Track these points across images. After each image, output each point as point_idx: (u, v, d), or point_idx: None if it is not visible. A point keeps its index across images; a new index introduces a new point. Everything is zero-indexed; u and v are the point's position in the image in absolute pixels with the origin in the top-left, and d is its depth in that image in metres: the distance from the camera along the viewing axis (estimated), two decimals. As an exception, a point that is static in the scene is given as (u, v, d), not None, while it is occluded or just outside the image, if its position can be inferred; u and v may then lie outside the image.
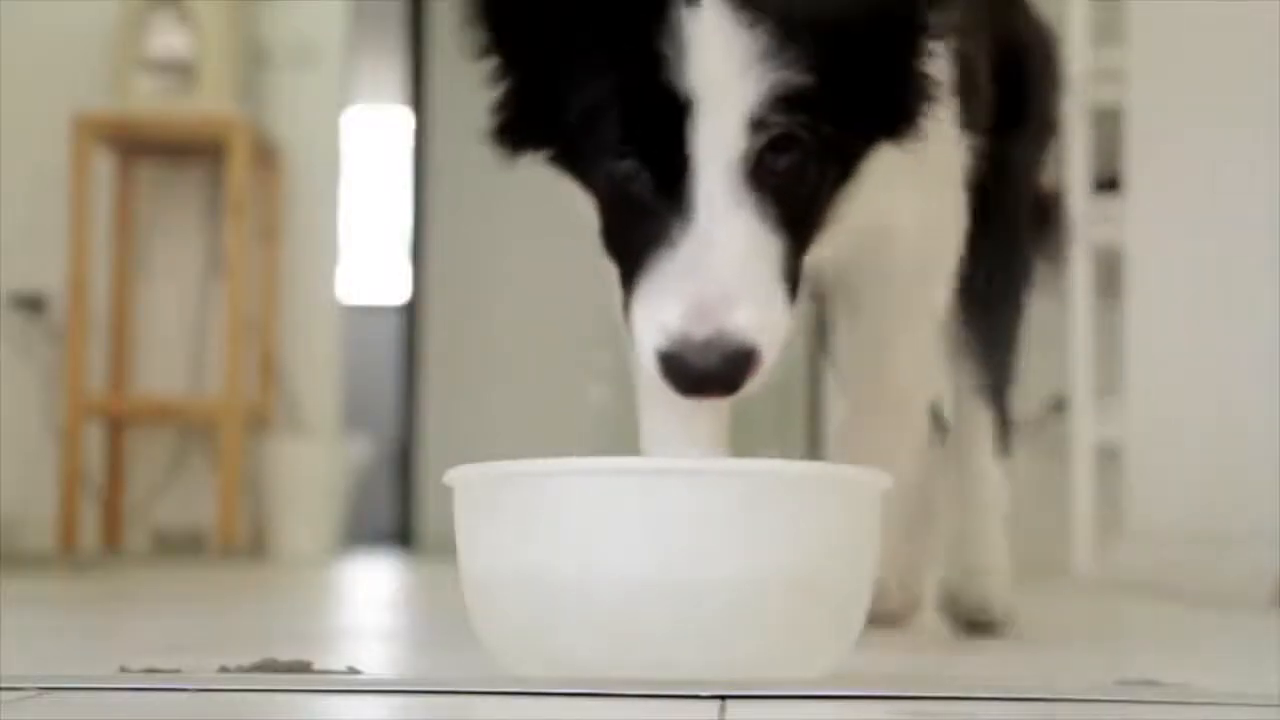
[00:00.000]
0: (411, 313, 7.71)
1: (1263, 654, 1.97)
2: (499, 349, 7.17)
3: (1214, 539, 3.17)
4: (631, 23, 1.32)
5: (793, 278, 1.36)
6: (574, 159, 1.42)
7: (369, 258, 8.61)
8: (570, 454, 1.20)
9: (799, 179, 1.36)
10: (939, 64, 1.45)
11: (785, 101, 1.32)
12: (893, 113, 1.42)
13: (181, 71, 5.53)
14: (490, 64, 1.44)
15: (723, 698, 1.12)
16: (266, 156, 5.83)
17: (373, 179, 8.52)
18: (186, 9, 5.51)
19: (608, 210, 1.41)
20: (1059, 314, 4.55)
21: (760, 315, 1.30)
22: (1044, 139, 2.16)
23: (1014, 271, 2.13)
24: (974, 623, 2.01)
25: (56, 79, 5.70)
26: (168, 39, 5.53)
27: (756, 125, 1.31)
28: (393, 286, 8.33)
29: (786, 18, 1.32)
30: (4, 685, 1.15)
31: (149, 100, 5.52)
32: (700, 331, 1.28)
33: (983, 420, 2.10)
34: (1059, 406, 4.87)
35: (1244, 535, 3.07)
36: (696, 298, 1.29)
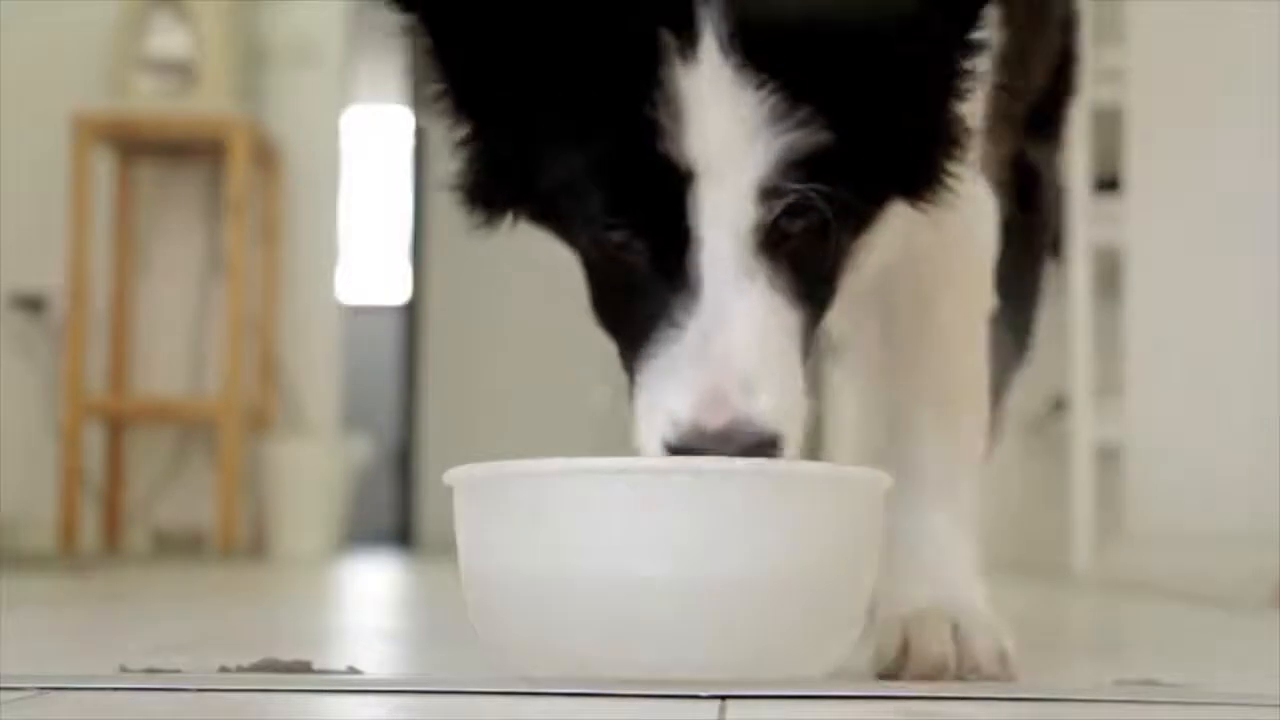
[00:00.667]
0: (411, 313, 7.72)
1: (1263, 654, 1.97)
2: (499, 349, 7.18)
3: (1214, 539, 3.17)
4: (618, 84, 1.19)
5: (809, 349, 1.25)
6: (554, 222, 1.28)
7: (369, 258, 8.61)
8: (570, 454, 1.19)
9: (815, 245, 1.23)
10: (970, 108, 1.30)
11: (799, 165, 1.19)
12: (915, 173, 1.28)
13: (181, 71, 5.54)
14: (456, 127, 1.30)
15: (723, 698, 1.12)
16: (266, 156, 5.83)
17: (373, 179, 8.52)
18: (186, 9, 5.51)
19: (597, 279, 1.27)
20: (1059, 314, 4.55)
21: (782, 398, 1.18)
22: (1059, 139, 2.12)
23: (1036, 266, 2.08)
24: None
25: (56, 79, 5.71)
26: (168, 39, 5.53)
27: (768, 193, 1.19)
28: (393, 286, 8.33)
29: (797, 75, 1.19)
30: (4, 685, 1.15)
31: (149, 100, 5.53)
32: (715, 422, 1.16)
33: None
34: (1059, 406, 4.87)
35: (1244, 535, 3.07)
36: (708, 384, 1.17)
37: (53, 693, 1.15)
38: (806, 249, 1.23)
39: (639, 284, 1.22)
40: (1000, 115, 1.52)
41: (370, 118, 8.34)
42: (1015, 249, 1.95)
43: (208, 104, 5.53)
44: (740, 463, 1.15)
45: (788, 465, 1.16)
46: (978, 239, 1.52)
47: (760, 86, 1.17)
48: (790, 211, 1.20)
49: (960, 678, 1.30)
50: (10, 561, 4.43)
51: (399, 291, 8.05)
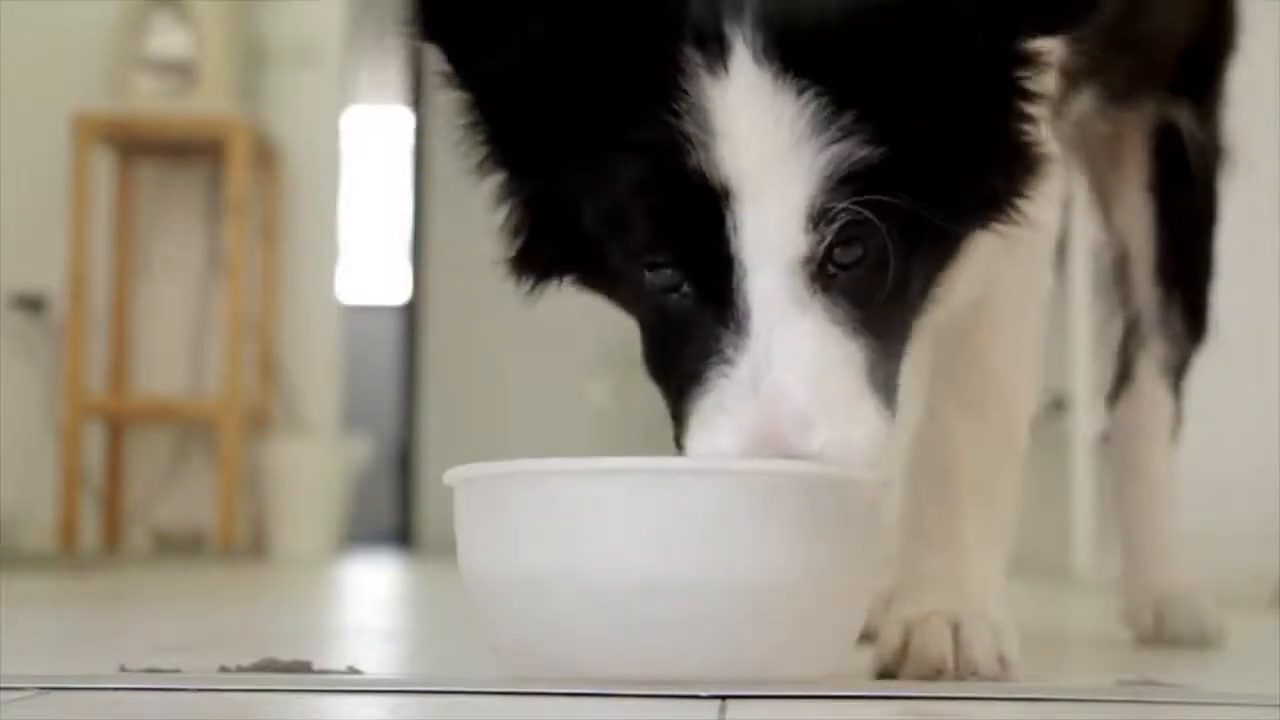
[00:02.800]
0: (411, 313, 7.72)
1: (1263, 654, 1.97)
2: (499, 349, 7.17)
3: (1214, 539, 3.17)
4: (644, 103, 1.13)
5: (887, 381, 1.17)
6: (604, 275, 1.23)
7: (369, 258, 8.60)
8: (570, 453, 1.19)
9: (875, 271, 1.15)
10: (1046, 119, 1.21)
11: (848, 181, 1.11)
12: (979, 192, 1.19)
13: (181, 71, 5.53)
14: (494, 181, 1.25)
15: (723, 698, 1.12)
16: (266, 156, 5.83)
17: (373, 179, 8.52)
18: (186, 9, 5.51)
19: (650, 329, 1.21)
20: (1059, 314, 4.54)
21: (844, 434, 1.12)
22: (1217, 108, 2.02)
23: (1200, 244, 2.02)
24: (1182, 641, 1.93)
25: (56, 79, 5.70)
26: (168, 39, 5.53)
27: (818, 215, 1.11)
28: (393, 286, 8.33)
29: (841, 79, 1.11)
30: (4, 685, 1.15)
31: (149, 100, 5.52)
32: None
33: (1163, 408, 2.02)
34: (1059, 406, 4.87)
35: (1244, 535, 3.07)
36: (760, 423, 1.11)
37: (53, 693, 1.15)
38: (865, 275, 1.15)
39: (688, 325, 1.15)
40: (1110, 71, 1.45)
41: (370, 118, 8.34)
42: (1176, 232, 1.89)
43: (208, 104, 5.53)
44: (740, 463, 1.14)
45: (788, 466, 1.16)
46: (1038, 220, 1.39)
47: (801, 92, 1.11)
48: (844, 236, 1.13)
49: (959, 679, 1.30)
50: (10, 561, 4.43)
51: (399, 291, 8.05)
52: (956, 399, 1.44)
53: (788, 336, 1.12)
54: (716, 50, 1.12)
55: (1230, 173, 2.09)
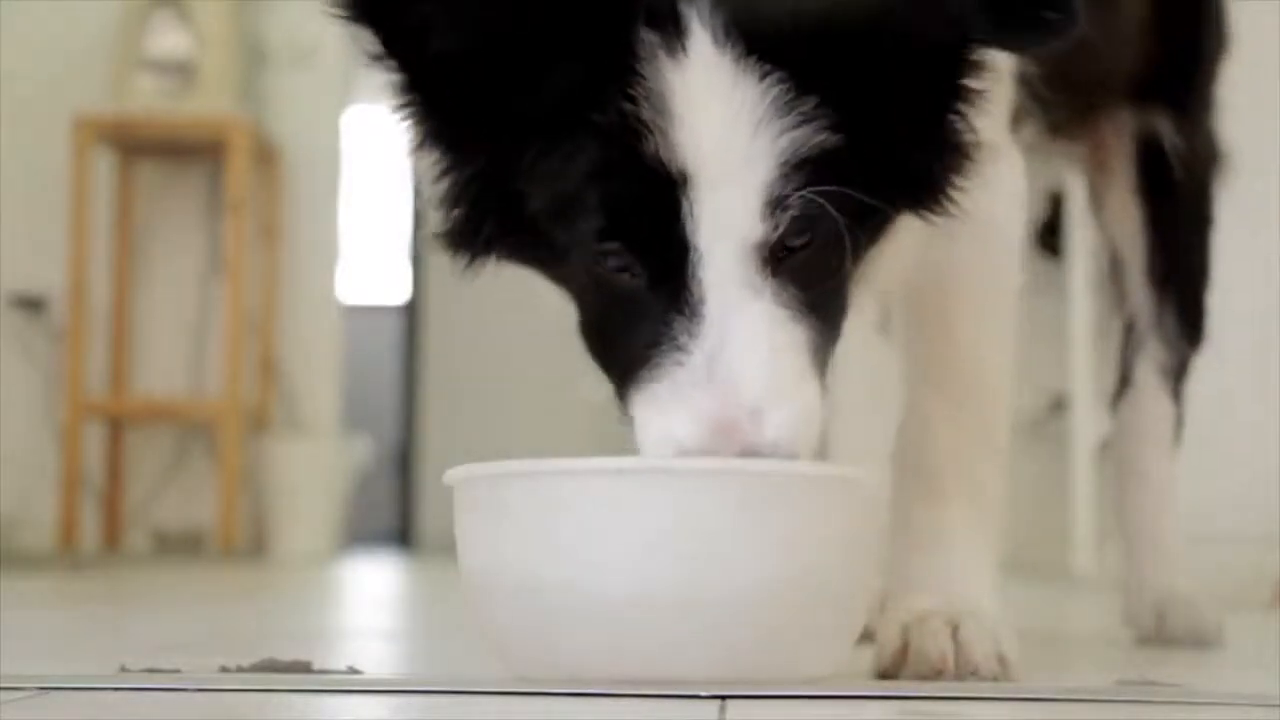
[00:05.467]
0: (411, 313, 7.72)
1: (1263, 654, 1.97)
2: (499, 349, 7.18)
3: (1214, 539, 3.17)
4: (598, 85, 1.11)
5: (824, 362, 1.18)
6: (544, 253, 1.21)
7: (369, 258, 8.60)
8: (571, 454, 1.19)
9: (824, 256, 1.16)
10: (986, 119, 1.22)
11: (804, 167, 1.11)
12: (920, 182, 1.20)
13: (181, 71, 5.54)
14: (432, 159, 1.22)
15: (723, 698, 1.12)
16: (266, 156, 5.83)
17: (373, 179, 8.51)
18: (186, 9, 5.51)
19: (592, 308, 1.21)
20: (1059, 314, 4.55)
21: (792, 418, 1.13)
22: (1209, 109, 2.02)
23: (1191, 246, 2.01)
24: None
25: (56, 79, 5.71)
26: (168, 39, 5.53)
27: (774, 201, 1.11)
28: (393, 286, 8.33)
29: (801, 64, 1.10)
30: (4, 685, 1.15)
31: (149, 100, 5.53)
32: (726, 451, 1.12)
33: (1162, 411, 2.02)
34: (1059, 406, 4.87)
35: (1244, 535, 3.07)
36: (718, 412, 1.11)
37: (53, 693, 1.15)
38: (815, 260, 1.15)
39: (638, 307, 1.15)
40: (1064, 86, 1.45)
41: (370, 118, 8.33)
42: (1166, 234, 1.89)
43: (208, 104, 5.53)
44: (741, 463, 1.14)
45: (788, 466, 1.16)
46: (1002, 216, 1.43)
47: (762, 77, 1.10)
48: (798, 221, 1.12)
49: (959, 679, 1.30)
50: (10, 561, 4.43)
51: (399, 291, 8.05)
52: (933, 390, 1.43)
53: (741, 322, 1.12)
54: (673, 31, 1.11)
55: (1225, 178, 2.09)
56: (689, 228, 1.11)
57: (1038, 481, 4.73)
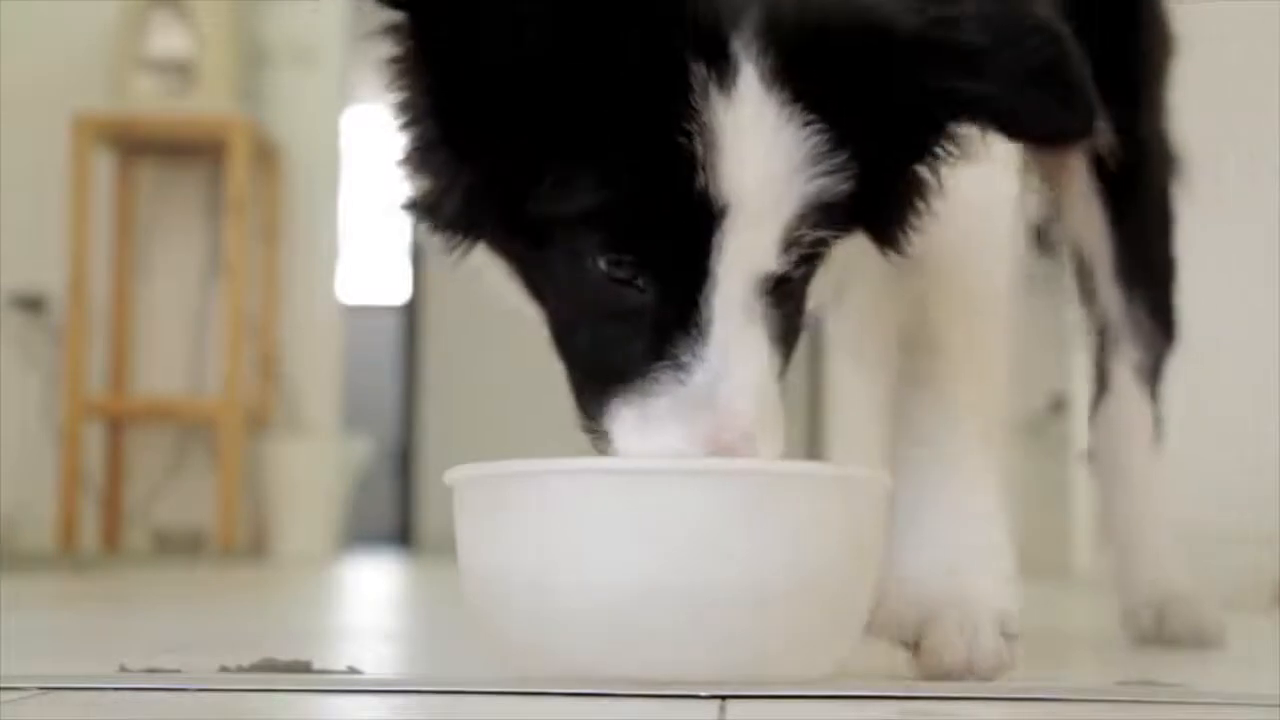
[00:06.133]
0: (411, 313, 7.72)
1: (1263, 654, 1.97)
2: (499, 349, 7.17)
3: (1214, 539, 3.17)
4: (640, 113, 1.13)
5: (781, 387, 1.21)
6: (531, 251, 1.22)
7: (369, 258, 8.61)
8: (571, 454, 1.19)
9: (801, 288, 1.21)
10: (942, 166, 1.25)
11: (818, 211, 1.15)
12: (891, 222, 1.25)
13: (181, 71, 5.54)
14: (433, 154, 1.22)
15: (723, 698, 1.12)
16: (266, 156, 5.83)
17: (373, 179, 8.52)
18: (186, 9, 5.52)
19: (579, 311, 1.21)
20: (1059, 314, 4.54)
21: (777, 444, 1.17)
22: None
23: (1155, 246, 2.03)
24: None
25: (56, 79, 5.71)
26: (168, 39, 5.54)
27: (791, 241, 1.15)
28: (393, 286, 8.33)
29: (842, 118, 1.14)
30: (4, 685, 1.15)
31: (149, 100, 5.53)
32: None
33: (1142, 412, 2.03)
34: (1059, 406, 4.87)
35: (1244, 535, 3.07)
36: (714, 434, 1.14)
37: (53, 693, 1.15)
38: (800, 289, 1.20)
39: (636, 321, 1.17)
40: None
41: (370, 118, 8.34)
42: (1128, 235, 1.90)
43: (208, 104, 5.53)
44: (742, 463, 1.14)
45: (789, 466, 1.16)
46: (991, 209, 1.44)
47: (806, 124, 1.13)
48: (804, 257, 1.17)
49: (971, 676, 1.30)
50: (10, 561, 4.43)
51: (399, 291, 8.05)
52: (935, 385, 1.41)
53: (741, 349, 1.15)
54: (722, 65, 1.12)
55: (1181, 177, 2.10)
56: (713, 257, 1.14)
57: (1038, 481, 4.73)
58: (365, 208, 8.25)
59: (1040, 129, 1.23)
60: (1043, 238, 2.24)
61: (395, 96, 1.22)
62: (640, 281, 1.17)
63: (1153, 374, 2.06)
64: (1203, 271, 3.46)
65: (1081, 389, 4.60)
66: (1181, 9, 2.06)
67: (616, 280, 1.17)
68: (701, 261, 1.14)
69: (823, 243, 1.17)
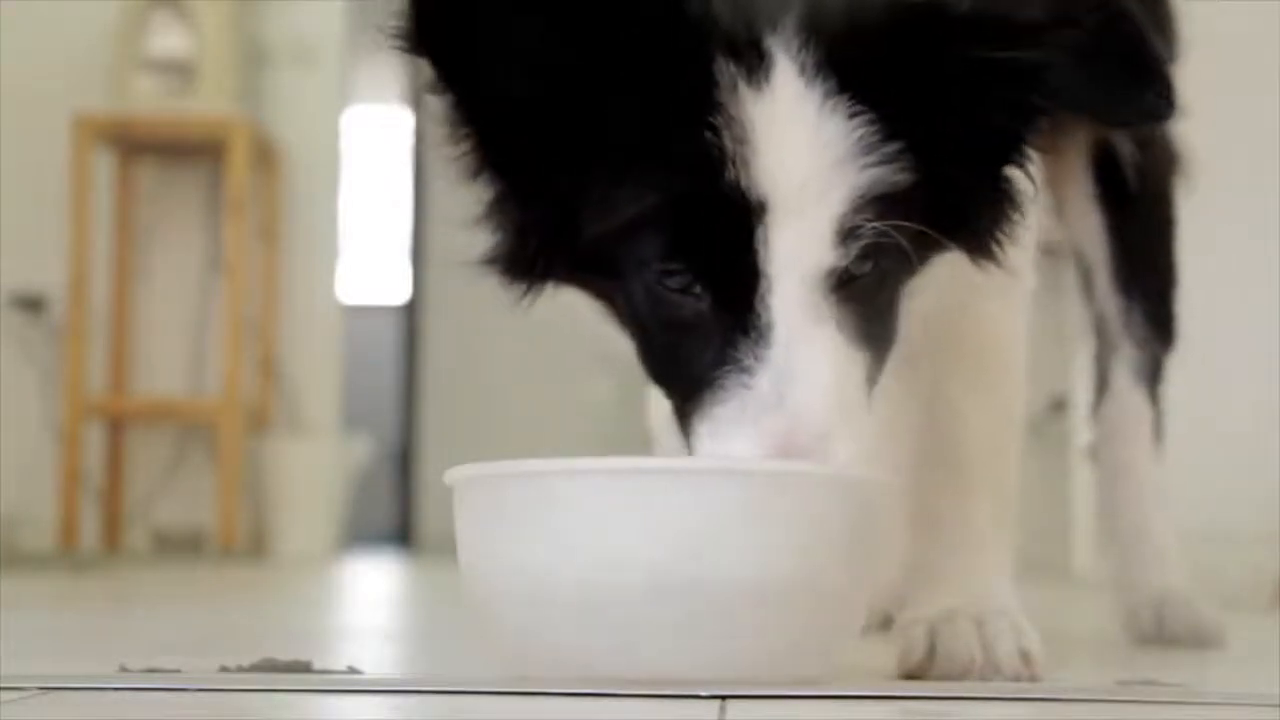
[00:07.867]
0: (411, 313, 7.72)
1: (1263, 654, 1.97)
2: (499, 349, 7.17)
3: (1214, 539, 3.17)
4: (673, 116, 1.12)
5: (873, 391, 1.19)
6: (599, 275, 1.21)
7: (369, 258, 8.61)
8: (571, 453, 1.19)
9: (883, 286, 1.19)
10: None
11: (876, 202, 1.13)
12: (974, 228, 1.22)
13: (181, 71, 5.53)
14: (486, 189, 1.22)
15: (723, 698, 1.12)
16: (266, 156, 5.83)
17: (373, 179, 8.52)
18: (186, 9, 5.51)
19: (650, 329, 1.20)
20: (1059, 314, 4.54)
21: (856, 445, 1.15)
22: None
23: (1156, 249, 2.03)
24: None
25: (56, 79, 5.70)
26: (168, 39, 5.53)
27: (845, 232, 1.13)
28: (393, 286, 8.33)
29: (891, 107, 1.12)
30: (4, 685, 1.15)
31: (149, 100, 5.52)
32: None
33: (1141, 412, 2.03)
34: (1059, 406, 4.87)
35: (1244, 535, 3.07)
36: (784, 437, 1.12)
37: (53, 693, 1.15)
38: (875, 289, 1.17)
39: (701, 329, 1.16)
40: None
41: (370, 118, 8.34)
42: (1129, 237, 1.90)
43: (208, 104, 5.53)
44: (742, 463, 1.14)
45: (790, 466, 1.16)
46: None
47: (851, 116, 1.11)
48: (865, 250, 1.14)
49: (985, 679, 1.30)
50: (10, 561, 4.43)
51: (399, 291, 8.05)
52: (961, 378, 1.43)
53: (808, 349, 1.13)
54: (755, 63, 1.12)
55: (1183, 180, 2.09)
56: (761, 255, 1.13)
57: (1038, 481, 4.73)
58: (365, 208, 8.25)
59: (1119, 110, 1.22)
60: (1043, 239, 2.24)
61: (454, 156, 1.21)
62: (697, 289, 1.16)
63: (1153, 374, 2.07)
64: (1203, 272, 3.46)
65: (1081, 389, 4.61)
66: (1188, 9, 2.05)
67: (676, 290, 1.16)
68: (750, 261, 1.13)
69: (887, 235, 1.14)
